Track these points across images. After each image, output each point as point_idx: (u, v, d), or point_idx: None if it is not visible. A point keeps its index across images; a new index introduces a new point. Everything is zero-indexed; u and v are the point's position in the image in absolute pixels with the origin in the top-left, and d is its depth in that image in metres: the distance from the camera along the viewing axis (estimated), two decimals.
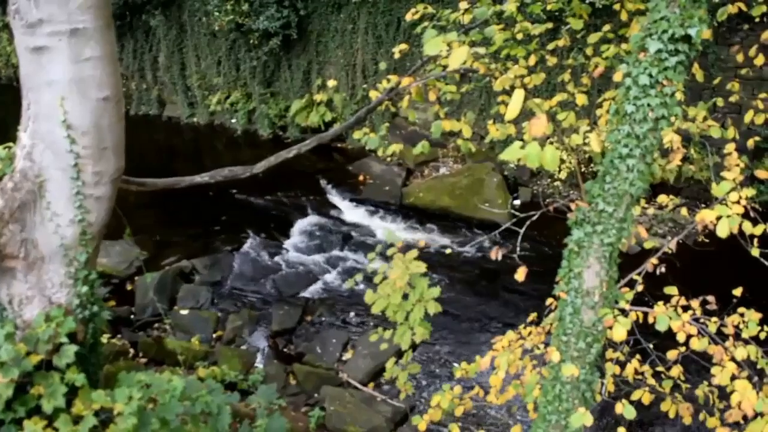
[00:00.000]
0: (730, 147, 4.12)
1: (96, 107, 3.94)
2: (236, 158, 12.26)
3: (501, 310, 9.61)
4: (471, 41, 4.58)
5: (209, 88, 16.96)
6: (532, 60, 4.75)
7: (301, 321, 9.37)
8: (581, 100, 4.56)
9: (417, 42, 12.42)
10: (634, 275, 3.95)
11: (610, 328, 3.73)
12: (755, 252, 3.85)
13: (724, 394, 3.88)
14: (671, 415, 4.66)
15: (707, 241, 5.00)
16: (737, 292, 4.29)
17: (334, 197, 13.19)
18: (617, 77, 3.67)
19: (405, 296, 4.48)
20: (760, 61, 4.67)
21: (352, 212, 12.67)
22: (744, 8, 4.32)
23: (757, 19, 9.14)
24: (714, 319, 3.91)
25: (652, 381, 4.77)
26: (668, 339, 3.92)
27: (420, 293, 4.45)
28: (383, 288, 4.52)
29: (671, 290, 4.06)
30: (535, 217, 4.22)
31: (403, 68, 12.81)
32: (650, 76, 3.34)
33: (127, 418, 3.89)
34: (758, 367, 3.84)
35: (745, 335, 3.91)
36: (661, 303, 3.80)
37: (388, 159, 13.76)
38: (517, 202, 12.44)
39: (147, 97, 18.10)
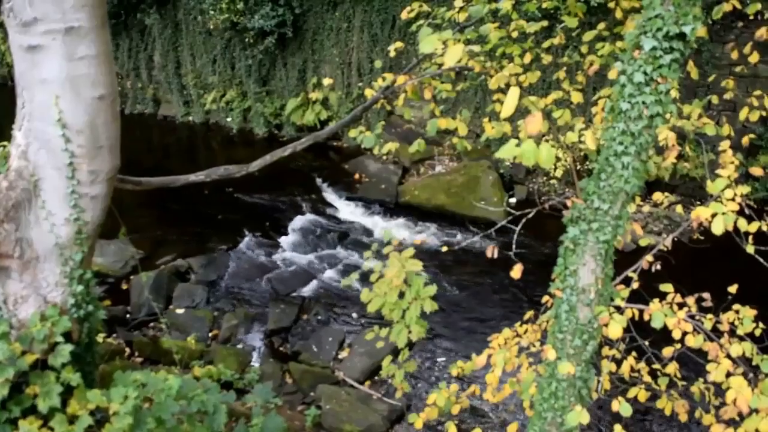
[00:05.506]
0: (724, 144, 4.14)
1: (91, 106, 3.93)
2: (231, 157, 12.24)
3: (497, 307, 9.63)
4: (466, 39, 4.59)
5: (204, 86, 16.93)
6: (527, 58, 4.75)
7: (297, 320, 9.37)
8: (576, 97, 4.56)
9: (412, 40, 12.44)
10: (629, 272, 3.95)
11: (606, 325, 3.74)
12: (750, 249, 3.86)
13: (719, 391, 3.89)
14: (667, 412, 4.68)
15: (702, 238, 5.01)
16: (732, 289, 4.31)
17: (330, 196, 13.20)
18: (612, 75, 3.67)
19: (401, 294, 4.48)
20: (754, 58, 4.68)
21: (347, 211, 12.67)
22: (738, 6, 4.32)
23: (752, 17, 9.18)
24: (709, 316, 3.92)
25: (647, 378, 4.79)
26: (664, 336, 3.94)
27: (416, 291, 4.45)
28: (379, 286, 4.52)
29: (666, 287, 4.07)
30: (530, 215, 4.22)
31: (399, 66, 12.81)
32: (645, 73, 3.35)
33: (122, 418, 3.88)
34: (753, 363, 3.85)
35: (740, 332, 3.92)
36: (656, 300, 3.81)
37: (384, 157, 13.79)
38: (512, 200, 12.47)
39: (142, 95, 18.07)
